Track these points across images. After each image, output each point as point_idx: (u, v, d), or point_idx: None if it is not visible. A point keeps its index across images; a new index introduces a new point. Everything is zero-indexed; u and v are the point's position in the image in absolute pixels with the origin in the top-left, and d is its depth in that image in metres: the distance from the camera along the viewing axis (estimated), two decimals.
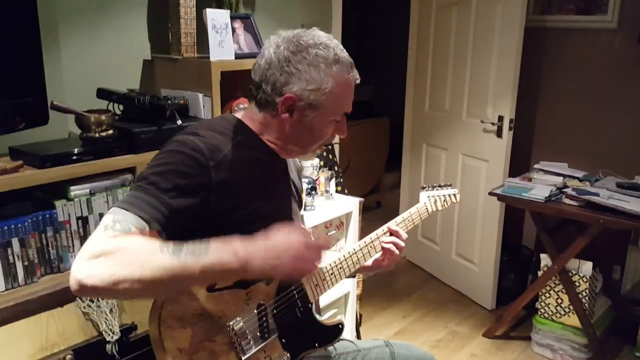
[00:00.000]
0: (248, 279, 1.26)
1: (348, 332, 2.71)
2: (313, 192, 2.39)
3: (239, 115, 1.35)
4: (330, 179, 2.54)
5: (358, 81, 1.28)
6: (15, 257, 1.62)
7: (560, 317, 2.79)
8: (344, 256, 1.42)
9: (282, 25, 1.36)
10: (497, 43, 3.05)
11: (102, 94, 2.05)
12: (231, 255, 1.04)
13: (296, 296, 1.35)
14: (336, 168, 2.89)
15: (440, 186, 1.65)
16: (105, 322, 1.65)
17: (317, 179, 2.49)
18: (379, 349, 1.47)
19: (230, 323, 1.21)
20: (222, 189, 1.18)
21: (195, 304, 1.17)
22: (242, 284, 1.25)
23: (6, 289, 1.61)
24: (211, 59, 2.07)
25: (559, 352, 2.81)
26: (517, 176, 2.97)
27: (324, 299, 2.49)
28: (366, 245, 1.46)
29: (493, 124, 3.11)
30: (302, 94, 1.22)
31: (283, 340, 1.32)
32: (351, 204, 2.56)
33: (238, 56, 2.18)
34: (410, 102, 3.86)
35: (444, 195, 1.63)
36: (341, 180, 2.84)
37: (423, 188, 1.64)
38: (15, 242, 1.61)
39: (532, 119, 3.39)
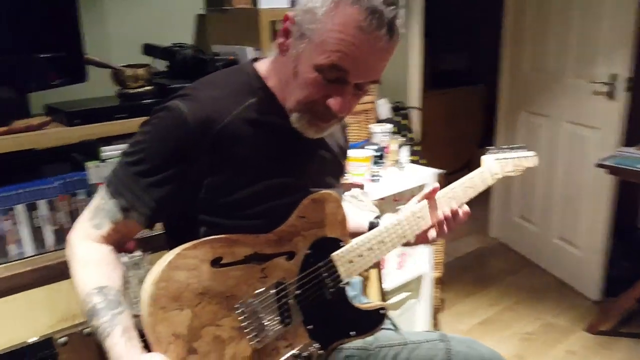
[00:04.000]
0: (264, 254, 1.05)
1: (422, 320, 2.43)
2: (380, 161, 2.12)
3: (260, 64, 1.12)
4: (402, 146, 2.24)
5: (381, 40, 0.94)
6: (43, 221, 1.52)
7: None
8: (386, 227, 1.14)
9: None
10: None
11: (149, 49, 1.91)
12: None
13: (324, 274, 1.11)
14: (409, 135, 2.58)
15: (511, 148, 1.30)
16: (133, 294, 1.50)
17: (386, 147, 2.21)
18: (430, 344, 1.18)
19: (240, 305, 1.01)
20: (217, 167, 1.01)
21: (196, 280, 0.98)
22: (256, 258, 1.05)
23: (35, 254, 1.52)
24: (259, 6, 1.85)
25: None
26: (633, 146, 2.49)
27: (393, 280, 2.22)
28: (414, 216, 1.16)
29: (605, 84, 2.63)
30: (298, 14, 0.99)
31: (309, 327, 1.10)
32: (425, 176, 2.24)
33: (294, 4, 1.93)
34: (506, 63, 3.41)
35: (517, 158, 1.29)
36: (414, 149, 2.52)
37: (487, 150, 1.29)
38: (42, 204, 1.51)
39: None
